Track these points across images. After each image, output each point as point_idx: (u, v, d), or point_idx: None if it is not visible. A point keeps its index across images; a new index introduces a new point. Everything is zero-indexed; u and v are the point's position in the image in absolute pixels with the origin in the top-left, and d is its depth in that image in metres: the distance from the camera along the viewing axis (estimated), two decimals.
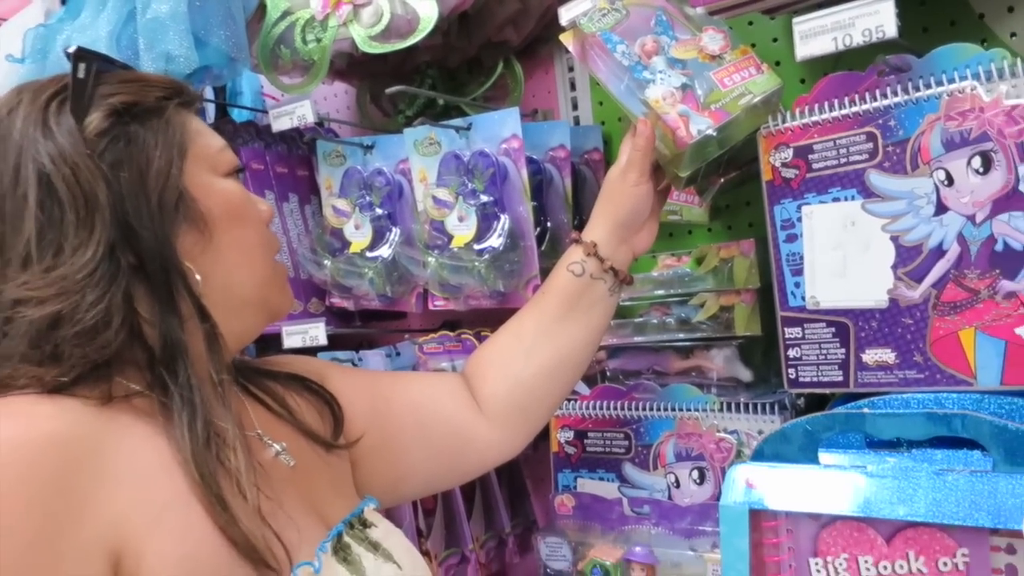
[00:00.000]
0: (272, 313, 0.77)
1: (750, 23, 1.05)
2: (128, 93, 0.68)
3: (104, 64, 0.68)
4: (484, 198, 1.06)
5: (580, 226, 1.18)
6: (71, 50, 0.67)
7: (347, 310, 1.27)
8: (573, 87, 1.24)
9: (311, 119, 1.12)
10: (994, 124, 0.72)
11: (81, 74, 0.66)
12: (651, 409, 1.01)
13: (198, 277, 0.68)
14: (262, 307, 0.75)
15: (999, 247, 0.72)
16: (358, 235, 1.19)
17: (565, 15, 0.89)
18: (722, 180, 0.96)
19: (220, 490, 0.61)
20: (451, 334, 1.20)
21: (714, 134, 0.82)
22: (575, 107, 1.24)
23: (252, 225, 0.73)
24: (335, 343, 1.23)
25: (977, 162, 0.73)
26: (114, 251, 0.63)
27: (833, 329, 0.81)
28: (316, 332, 1.18)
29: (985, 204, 0.73)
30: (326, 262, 1.20)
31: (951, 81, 0.74)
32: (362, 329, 1.38)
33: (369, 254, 1.18)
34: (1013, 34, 0.90)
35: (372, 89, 1.36)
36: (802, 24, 0.75)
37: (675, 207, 1.08)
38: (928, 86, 0.75)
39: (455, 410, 0.89)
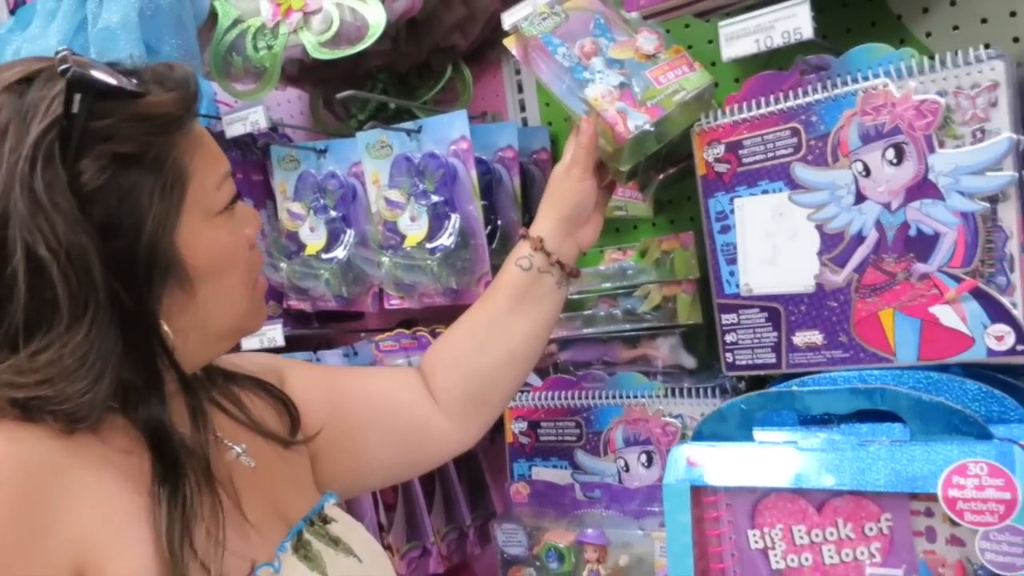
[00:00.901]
0: (245, 334, 0.79)
1: (686, 26, 1.09)
2: (128, 139, 0.63)
3: (103, 85, 0.62)
4: (435, 198, 1.10)
5: (529, 223, 1.22)
6: (63, 60, 0.60)
7: (304, 312, 1.30)
8: (520, 89, 1.28)
9: (264, 124, 1.14)
10: (905, 118, 0.77)
11: (76, 108, 0.60)
12: (600, 398, 1.05)
13: (167, 330, 0.66)
14: (236, 333, 0.77)
15: (912, 232, 0.78)
16: (313, 237, 1.22)
17: (507, 20, 0.93)
18: (661, 176, 1.01)
19: (185, 570, 0.61)
20: (407, 332, 1.23)
21: (651, 129, 0.86)
22: (523, 108, 1.28)
23: (237, 268, 0.72)
24: (293, 344, 1.25)
25: (891, 153, 0.78)
26: (106, 329, 0.61)
27: (766, 314, 0.86)
28: (274, 334, 1.21)
29: (899, 192, 0.78)
30: (282, 265, 1.22)
31: (866, 79, 0.79)
32: (319, 330, 1.41)
33: (324, 256, 1.21)
34: (928, 33, 0.96)
35: (324, 94, 1.39)
36: (727, 27, 0.79)
37: (620, 203, 1.12)
38: (845, 83, 0.80)
39: (412, 402, 0.91)
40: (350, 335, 1.44)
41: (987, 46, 0.75)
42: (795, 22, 0.75)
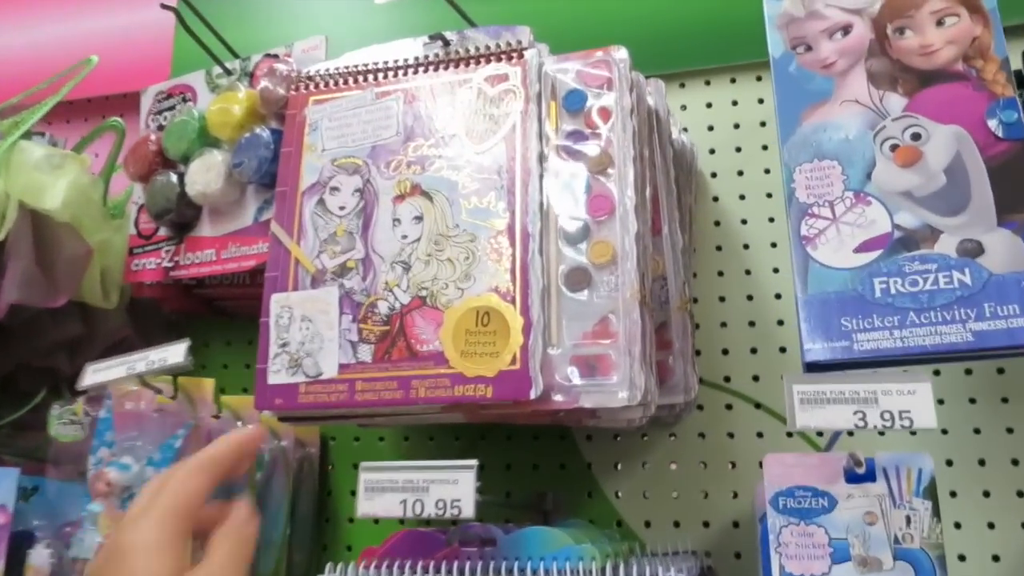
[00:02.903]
0: None
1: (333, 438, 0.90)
2: None
3: None
4: None
5: None
6: None
7: None
8: None
9: None
10: None
11: None
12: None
13: None
14: None
15: None
16: None
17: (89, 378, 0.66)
18: None
19: None
20: None
21: None
22: None
23: None
24: None
25: None
26: None
27: None
28: None
29: None
30: None
31: (535, 571, 0.60)
32: None
33: None
34: (617, 494, 0.83)
35: None
36: (369, 474, 0.58)
37: None
38: (511, 571, 0.60)
39: None
40: None
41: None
42: (455, 492, 0.56)
